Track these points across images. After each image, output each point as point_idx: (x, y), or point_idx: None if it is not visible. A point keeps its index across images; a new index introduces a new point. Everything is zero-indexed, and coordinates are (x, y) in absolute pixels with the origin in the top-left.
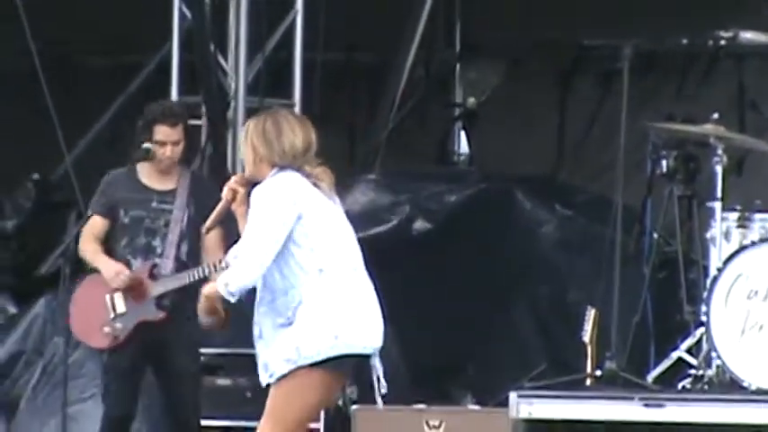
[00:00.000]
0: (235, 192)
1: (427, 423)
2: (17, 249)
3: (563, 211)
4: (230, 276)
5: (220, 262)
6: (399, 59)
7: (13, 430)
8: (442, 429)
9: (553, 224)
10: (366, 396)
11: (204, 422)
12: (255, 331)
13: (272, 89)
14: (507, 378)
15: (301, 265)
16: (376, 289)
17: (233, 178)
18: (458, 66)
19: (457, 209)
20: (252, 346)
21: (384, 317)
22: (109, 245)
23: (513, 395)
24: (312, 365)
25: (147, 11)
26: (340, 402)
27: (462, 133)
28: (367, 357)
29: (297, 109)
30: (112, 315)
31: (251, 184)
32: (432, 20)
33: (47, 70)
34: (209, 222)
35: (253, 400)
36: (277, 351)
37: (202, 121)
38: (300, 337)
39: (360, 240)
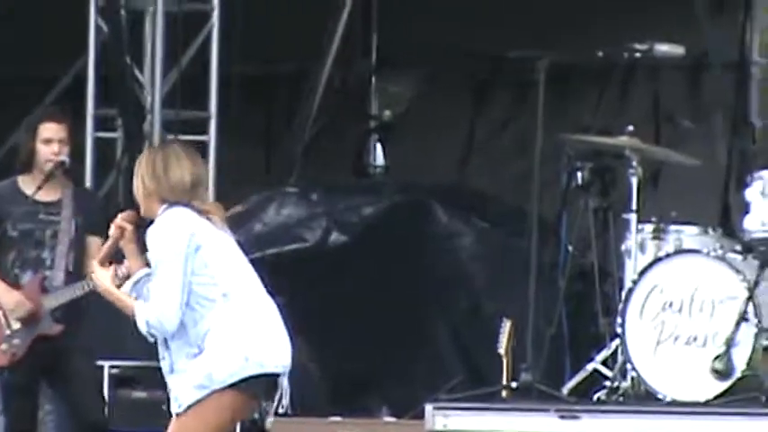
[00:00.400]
0: (122, 229)
1: None
2: None
3: (479, 223)
4: (153, 318)
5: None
6: (316, 71)
7: None
8: None
9: (470, 236)
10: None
11: None
12: (165, 367)
13: (189, 102)
14: (423, 390)
15: (205, 295)
16: (294, 303)
17: (120, 216)
18: (374, 78)
19: (373, 221)
20: None
21: (293, 334)
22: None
23: (428, 407)
24: (224, 389)
25: (62, 23)
26: (256, 415)
27: (378, 145)
28: (277, 376)
29: (213, 121)
30: (8, 332)
31: (139, 220)
32: (348, 32)
33: None
34: (99, 259)
35: (169, 412)
36: (188, 380)
37: (118, 134)
38: (211, 362)
39: (278, 256)
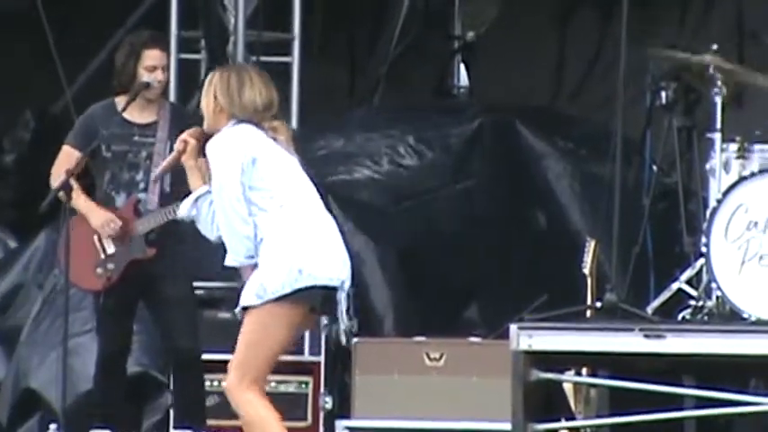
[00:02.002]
0: (186, 143)
1: (428, 355)
2: (17, 183)
3: (563, 143)
4: (231, 257)
5: None
6: None
7: (14, 362)
8: (442, 362)
9: (554, 156)
10: (366, 329)
11: (206, 356)
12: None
13: (272, 23)
14: (508, 310)
15: (261, 206)
16: (381, 222)
17: (187, 131)
18: None
19: (457, 141)
20: None
21: (385, 254)
22: (89, 180)
23: (513, 327)
24: (278, 299)
25: None
26: (343, 337)
27: (462, 66)
28: (333, 290)
29: (296, 42)
30: (103, 256)
31: (205, 137)
32: None
33: (45, 5)
34: (158, 171)
35: None
36: (247, 287)
37: (202, 56)
38: (265, 273)
39: (362, 175)
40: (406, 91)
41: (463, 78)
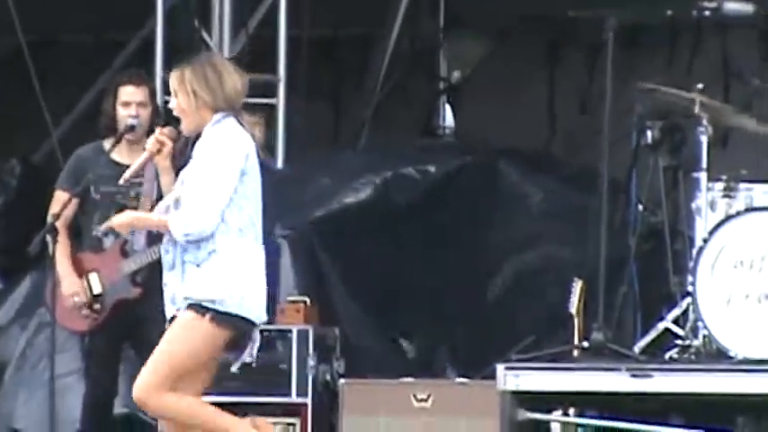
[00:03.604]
0: (162, 144)
1: (415, 396)
2: (3, 228)
3: (548, 183)
4: (188, 222)
5: None
6: (384, 33)
7: None
8: (429, 402)
9: (539, 196)
10: (353, 370)
11: None
12: (166, 261)
13: (258, 65)
14: (493, 351)
15: (225, 219)
16: (356, 261)
17: (161, 130)
18: (442, 39)
19: (440, 181)
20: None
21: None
22: (78, 222)
23: (500, 367)
24: (217, 322)
25: None
26: (327, 376)
27: (447, 107)
28: (253, 326)
29: (281, 84)
30: (89, 297)
31: (178, 138)
32: None
33: (31, 49)
34: (128, 173)
35: (241, 375)
36: (184, 289)
37: None
38: (207, 283)
39: (341, 213)
40: (391, 132)
41: (449, 119)
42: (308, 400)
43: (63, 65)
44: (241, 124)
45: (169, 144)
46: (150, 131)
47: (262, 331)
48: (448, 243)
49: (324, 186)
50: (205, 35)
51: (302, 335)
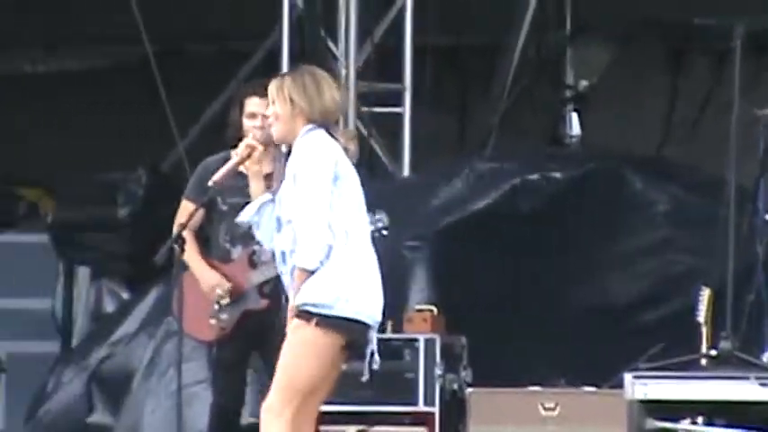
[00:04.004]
0: (252, 149)
1: (542, 405)
2: (130, 237)
3: (674, 191)
4: (313, 252)
5: None
6: (510, 41)
7: (125, 411)
8: (557, 411)
9: (666, 205)
10: (481, 379)
11: (324, 407)
12: (286, 282)
13: (383, 74)
14: (621, 359)
15: (330, 224)
16: (482, 266)
17: (252, 134)
18: (569, 47)
19: (566, 187)
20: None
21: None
22: (206, 232)
23: (628, 376)
24: (322, 326)
25: None
26: (455, 385)
27: (574, 115)
28: (368, 328)
29: (407, 93)
30: (216, 307)
31: (270, 143)
32: (542, 1)
33: (158, 59)
34: (217, 176)
35: (367, 384)
36: (297, 299)
37: None
38: (312, 289)
39: (467, 220)
40: (517, 140)
41: (575, 127)
42: (436, 409)
43: (188, 74)
44: (333, 137)
45: (260, 149)
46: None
47: (387, 338)
48: (573, 250)
49: (451, 194)
50: (331, 45)
51: (429, 344)
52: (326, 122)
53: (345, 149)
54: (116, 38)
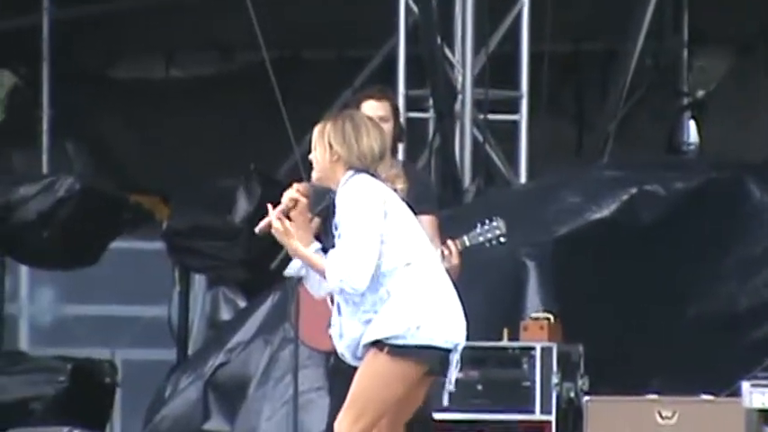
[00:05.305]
0: (296, 201)
1: (660, 413)
2: (246, 244)
3: None
4: (346, 276)
5: (442, 253)
6: (627, 48)
7: (242, 416)
8: (674, 420)
9: None
10: (598, 387)
11: (435, 415)
12: (335, 333)
13: (500, 81)
14: (738, 368)
15: (387, 261)
16: (598, 273)
17: (296, 186)
18: (686, 54)
19: (684, 196)
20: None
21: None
22: (322, 242)
23: (745, 385)
24: (394, 354)
25: (372, 4)
26: (571, 393)
27: (692, 122)
28: (448, 352)
29: (524, 100)
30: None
31: (313, 193)
32: (659, 8)
33: (275, 65)
34: (262, 225)
35: (484, 392)
36: (365, 337)
37: (430, 114)
38: (383, 323)
39: (587, 226)
40: (634, 148)
41: (693, 135)
42: (552, 418)
43: (305, 81)
44: (381, 180)
45: (304, 200)
46: (393, 149)
47: (504, 347)
48: (692, 259)
49: (568, 203)
50: (447, 52)
51: (546, 352)
52: (366, 168)
53: (393, 189)
54: (233, 44)
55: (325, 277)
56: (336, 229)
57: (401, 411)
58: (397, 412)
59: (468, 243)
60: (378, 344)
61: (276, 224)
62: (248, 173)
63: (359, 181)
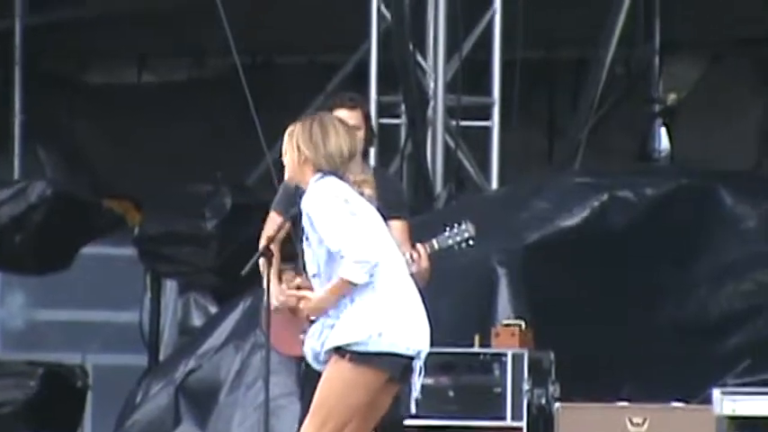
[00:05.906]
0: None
1: (630, 420)
2: (218, 250)
3: (765, 207)
4: (362, 260)
5: (411, 256)
6: (599, 56)
7: (213, 422)
8: (645, 426)
9: (756, 220)
10: (569, 394)
11: (407, 421)
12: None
13: (472, 88)
14: (709, 375)
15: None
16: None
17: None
18: (657, 61)
19: (656, 203)
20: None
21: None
22: (292, 245)
23: (716, 392)
24: (356, 361)
25: (344, 10)
26: (542, 400)
27: (663, 130)
28: (410, 359)
29: (496, 107)
30: (307, 322)
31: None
32: (631, 15)
33: (247, 71)
34: (246, 270)
35: (455, 398)
36: (325, 344)
37: (401, 120)
38: (344, 330)
39: (554, 235)
40: (606, 155)
41: (664, 142)
42: (523, 424)
43: (277, 87)
44: (349, 183)
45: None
46: (365, 154)
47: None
48: (662, 266)
49: (540, 209)
50: (420, 58)
51: (517, 358)
52: (335, 170)
53: (360, 193)
54: (206, 50)
55: (351, 286)
56: (304, 232)
57: (367, 418)
58: (362, 419)
59: (437, 246)
60: (340, 350)
61: (291, 302)
62: (215, 180)
63: (322, 185)
